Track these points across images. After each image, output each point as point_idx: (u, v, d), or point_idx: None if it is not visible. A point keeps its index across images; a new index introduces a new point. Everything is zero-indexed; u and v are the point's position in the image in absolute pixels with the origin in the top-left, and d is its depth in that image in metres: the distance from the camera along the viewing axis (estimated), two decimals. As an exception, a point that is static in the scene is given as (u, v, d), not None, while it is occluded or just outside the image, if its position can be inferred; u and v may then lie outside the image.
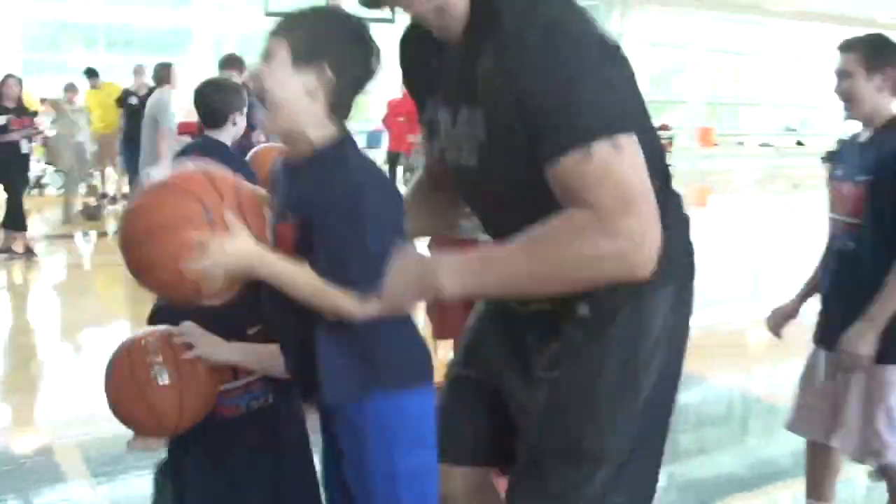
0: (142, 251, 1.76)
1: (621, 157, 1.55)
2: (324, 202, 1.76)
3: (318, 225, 1.76)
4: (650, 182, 1.58)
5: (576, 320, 1.77)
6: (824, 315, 3.09)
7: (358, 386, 1.85)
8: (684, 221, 1.87)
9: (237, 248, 1.77)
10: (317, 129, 1.84)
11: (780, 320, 3.23)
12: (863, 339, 2.82)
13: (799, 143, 24.06)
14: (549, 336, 1.81)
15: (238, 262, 1.78)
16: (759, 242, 11.12)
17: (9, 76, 9.13)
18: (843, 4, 20.84)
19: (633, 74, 1.71)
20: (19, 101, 9.04)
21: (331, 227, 1.75)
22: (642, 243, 1.54)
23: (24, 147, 8.99)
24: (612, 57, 1.65)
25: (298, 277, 1.77)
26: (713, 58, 23.80)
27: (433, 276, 1.65)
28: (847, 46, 2.94)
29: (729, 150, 23.03)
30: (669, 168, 1.84)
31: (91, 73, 12.30)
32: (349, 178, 1.79)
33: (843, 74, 2.93)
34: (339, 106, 1.85)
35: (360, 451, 1.89)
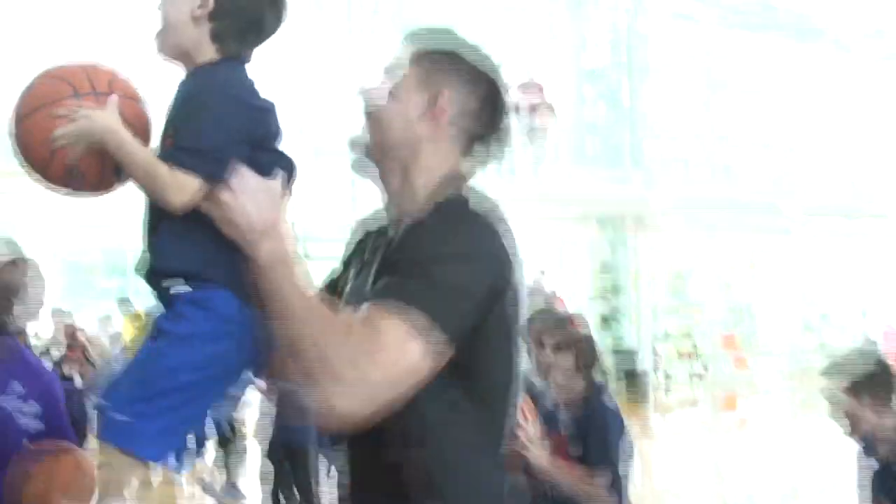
0: (17, 134, 1.80)
1: (417, 347, 1.62)
2: None
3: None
4: (467, 434, 1.72)
5: None
6: None
7: None
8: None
9: (98, 115, 1.73)
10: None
11: None
12: None
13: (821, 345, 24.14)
14: None
15: (93, 127, 1.73)
16: (791, 446, 11.14)
17: (57, 311, 9.59)
18: (849, 199, 21.49)
19: (511, 317, 1.76)
20: (73, 336, 9.48)
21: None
22: (362, 400, 1.61)
23: (78, 381, 9.27)
24: (496, 275, 1.72)
25: (139, 153, 1.73)
26: (728, 263, 24.29)
27: (268, 230, 1.68)
28: (854, 390, 3.00)
29: (753, 354, 23.14)
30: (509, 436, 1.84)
31: (124, 302, 12.76)
32: None
33: (853, 418, 2.97)
34: None
35: None
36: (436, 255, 1.68)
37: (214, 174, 1.69)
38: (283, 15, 1.85)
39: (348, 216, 13.30)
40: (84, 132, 1.74)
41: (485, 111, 1.84)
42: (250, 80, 1.86)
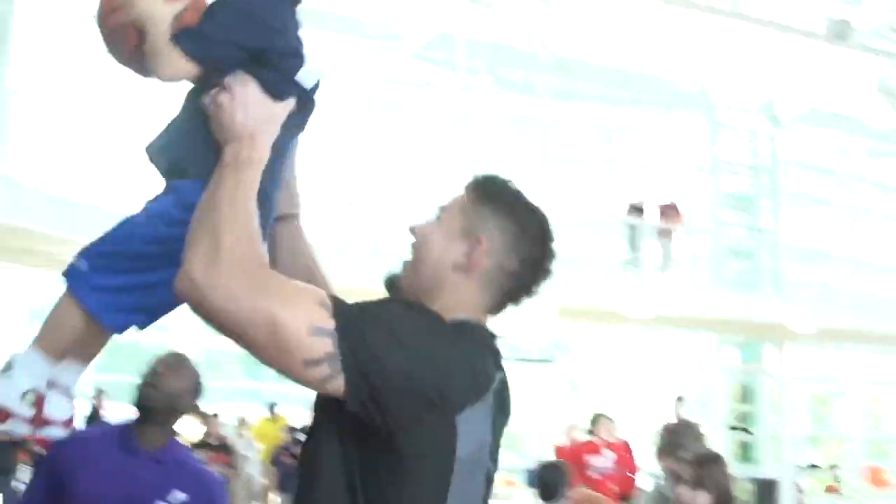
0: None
1: (303, 321, 1.59)
2: None
3: None
4: None
5: None
6: None
7: None
8: None
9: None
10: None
11: None
12: None
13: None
14: None
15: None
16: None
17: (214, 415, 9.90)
18: None
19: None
20: (217, 436, 9.75)
21: None
22: (214, 290, 1.59)
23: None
24: (457, 381, 1.66)
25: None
26: (872, 390, 23.42)
27: (245, 138, 1.75)
28: None
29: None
30: None
31: (272, 407, 13.08)
32: None
33: None
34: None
35: None
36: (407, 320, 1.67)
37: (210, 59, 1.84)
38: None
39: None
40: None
41: (524, 273, 1.82)
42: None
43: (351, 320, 1.61)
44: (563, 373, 17.37)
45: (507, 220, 1.79)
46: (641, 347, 18.18)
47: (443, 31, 13.99)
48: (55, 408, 1.95)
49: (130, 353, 17.16)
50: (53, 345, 1.92)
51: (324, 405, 1.72)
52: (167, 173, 1.94)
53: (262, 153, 1.77)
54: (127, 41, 1.87)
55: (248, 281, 1.59)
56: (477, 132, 14.46)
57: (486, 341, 1.80)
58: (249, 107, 1.78)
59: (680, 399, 14.00)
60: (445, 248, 1.78)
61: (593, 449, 9.90)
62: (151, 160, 1.95)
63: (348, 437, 1.65)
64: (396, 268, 1.85)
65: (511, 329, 12.95)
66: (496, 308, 1.84)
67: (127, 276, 1.88)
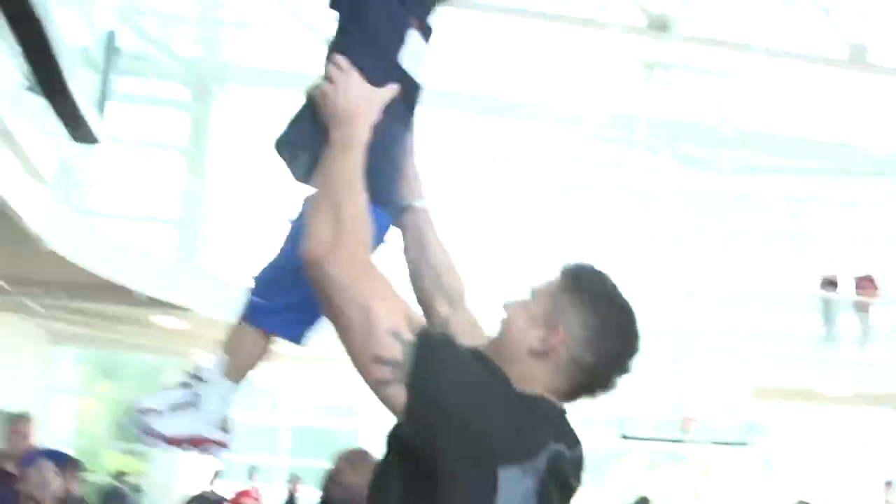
0: None
1: (386, 320, 1.71)
2: None
3: None
4: None
5: None
6: None
7: None
8: None
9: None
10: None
11: None
12: None
13: None
14: None
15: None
16: None
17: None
18: None
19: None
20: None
21: None
22: (327, 257, 1.74)
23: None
24: (509, 439, 1.68)
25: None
26: None
27: (346, 120, 1.92)
28: None
29: None
30: None
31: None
32: None
33: None
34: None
35: None
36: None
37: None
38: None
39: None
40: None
41: (599, 368, 1.82)
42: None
43: (429, 342, 1.70)
44: (759, 455, 16.73)
45: (588, 313, 1.80)
46: (841, 427, 17.33)
47: (621, 110, 14.03)
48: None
49: (323, 439, 17.65)
50: (238, 369, 2.09)
51: (392, 441, 1.79)
52: (289, 161, 2.11)
53: (362, 135, 1.92)
54: None
55: (361, 263, 1.76)
56: (659, 210, 14.33)
57: (548, 414, 1.79)
58: (350, 92, 1.95)
59: (889, 484, 13.22)
60: (526, 330, 1.81)
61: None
62: (278, 153, 2.12)
63: (404, 475, 1.72)
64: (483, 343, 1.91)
65: (704, 410, 12.61)
66: (568, 397, 1.84)
67: (293, 293, 1.99)
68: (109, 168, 14.35)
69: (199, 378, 2.10)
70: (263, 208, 13.77)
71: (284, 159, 2.12)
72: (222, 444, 2.09)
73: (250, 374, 2.14)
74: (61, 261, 9.12)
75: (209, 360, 2.14)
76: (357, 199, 1.82)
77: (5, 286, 10.39)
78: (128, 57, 7.73)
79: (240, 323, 2.10)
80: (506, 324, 1.85)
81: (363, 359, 1.71)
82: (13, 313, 11.76)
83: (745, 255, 16.95)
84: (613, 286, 1.86)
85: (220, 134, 15.25)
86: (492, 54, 14.64)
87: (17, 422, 5.74)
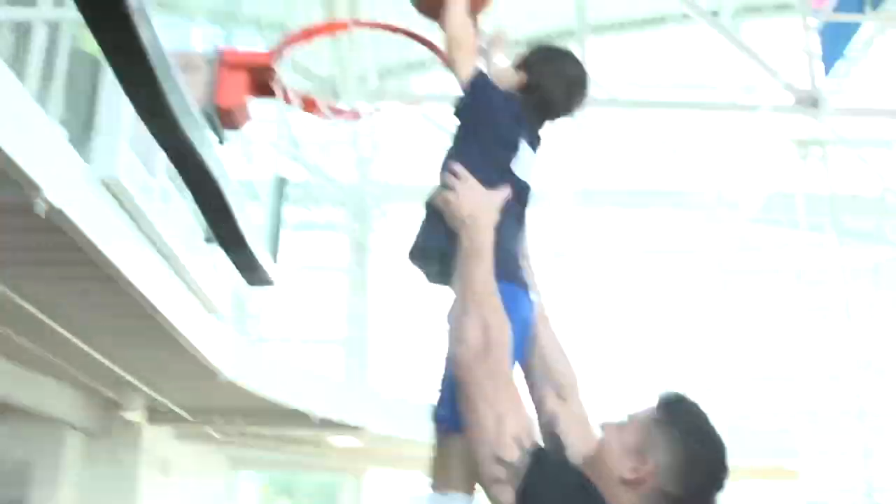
0: None
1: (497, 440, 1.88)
2: None
3: None
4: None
5: None
6: None
7: None
8: None
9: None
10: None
11: None
12: None
13: None
14: None
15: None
16: None
17: None
18: None
19: None
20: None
21: None
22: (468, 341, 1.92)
23: None
24: None
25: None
26: None
27: (471, 226, 2.08)
28: None
29: None
30: None
31: None
32: None
33: None
34: None
35: None
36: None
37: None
38: None
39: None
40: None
41: (686, 502, 1.85)
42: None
43: (544, 458, 1.87)
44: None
45: (678, 447, 1.85)
46: None
47: (779, 190, 13.77)
48: None
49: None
50: (460, 482, 2.13)
51: None
52: (422, 267, 2.28)
53: (488, 239, 2.08)
54: None
55: (503, 371, 1.93)
56: (828, 287, 13.88)
57: None
58: (472, 199, 2.12)
59: None
60: (619, 458, 1.88)
61: None
62: (412, 262, 2.29)
63: None
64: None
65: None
66: None
67: None
68: (278, 295, 14.94)
69: None
70: (425, 324, 13.99)
71: (418, 266, 2.30)
72: None
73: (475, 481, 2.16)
74: (239, 390, 9.47)
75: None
76: (498, 307, 2.00)
77: (188, 417, 10.82)
78: (291, 187, 8.11)
79: (438, 441, 2.17)
80: (601, 445, 1.95)
81: (486, 457, 1.85)
82: (196, 442, 12.19)
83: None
84: (706, 420, 1.91)
85: (380, 252, 15.68)
86: (642, 148, 14.69)
87: None
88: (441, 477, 2.15)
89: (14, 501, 10.13)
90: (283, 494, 18.96)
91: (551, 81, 2.45)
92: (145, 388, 9.61)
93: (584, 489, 1.88)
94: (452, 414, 2.09)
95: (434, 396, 2.22)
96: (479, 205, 2.11)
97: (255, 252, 4.02)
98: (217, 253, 7.67)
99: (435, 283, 2.22)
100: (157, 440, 11.28)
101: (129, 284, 6.36)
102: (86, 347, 7.95)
